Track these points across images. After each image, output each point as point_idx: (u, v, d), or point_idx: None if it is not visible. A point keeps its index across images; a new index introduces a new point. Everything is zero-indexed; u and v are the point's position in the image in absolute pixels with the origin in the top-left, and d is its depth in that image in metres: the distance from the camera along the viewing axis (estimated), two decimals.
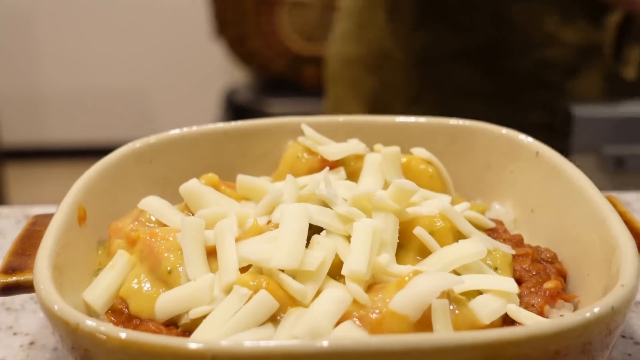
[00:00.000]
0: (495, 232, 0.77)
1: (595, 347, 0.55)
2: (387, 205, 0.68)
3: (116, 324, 0.65)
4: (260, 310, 0.59)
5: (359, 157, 0.81)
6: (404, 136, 0.89)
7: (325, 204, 0.69)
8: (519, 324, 0.62)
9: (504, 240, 0.74)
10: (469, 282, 0.63)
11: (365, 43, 1.65)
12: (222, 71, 3.49)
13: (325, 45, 2.63)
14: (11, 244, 0.72)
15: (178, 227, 0.69)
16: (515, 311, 0.62)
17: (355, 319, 0.58)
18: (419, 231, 0.67)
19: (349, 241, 0.65)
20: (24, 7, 3.52)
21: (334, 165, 0.80)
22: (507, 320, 0.63)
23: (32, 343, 0.77)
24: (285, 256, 0.61)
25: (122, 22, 3.56)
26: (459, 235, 0.70)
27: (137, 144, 0.84)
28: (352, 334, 0.56)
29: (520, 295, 0.66)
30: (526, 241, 0.77)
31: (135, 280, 0.67)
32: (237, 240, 0.65)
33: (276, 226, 0.66)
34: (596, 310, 0.54)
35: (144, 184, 0.83)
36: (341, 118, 0.90)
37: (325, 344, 0.50)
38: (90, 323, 0.53)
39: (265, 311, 0.59)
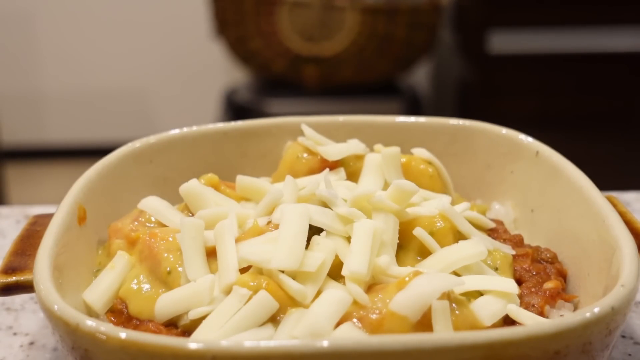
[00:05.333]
0: (495, 232, 0.77)
1: (595, 347, 0.55)
2: (387, 206, 0.68)
3: (116, 324, 0.65)
4: (260, 311, 0.59)
5: (359, 158, 0.81)
6: (404, 136, 0.89)
7: (325, 205, 0.69)
8: (519, 324, 0.62)
9: (504, 241, 0.74)
10: (470, 283, 0.63)
11: None
12: (222, 71, 3.49)
13: (325, 45, 2.63)
14: (11, 244, 0.72)
15: (178, 227, 0.69)
16: (516, 311, 0.62)
17: (355, 319, 0.58)
18: (418, 232, 0.67)
19: (349, 242, 0.65)
20: (24, 7, 3.51)
21: (333, 165, 0.80)
22: (507, 321, 0.63)
23: (32, 343, 0.77)
24: (285, 257, 0.61)
25: (122, 22, 3.55)
26: (459, 236, 0.70)
27: (137, 144, 0.84)
28: (352, 335, 0.56)
29: (520, 296, 0.66)
30: (526, 241, 0.77)
31: (135, 281, 0.67)
32: (237, 240, 0.65)
33: (276, 227, 0.66)
34: (596, 310, 0.54)
35: (144, 184, 0.83)
36: (341, 118, 0.90)
37: (325, 344, 0.50)
38: (90, 323, 0.53)
39: (265, 312, 0.59)
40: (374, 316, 0.57)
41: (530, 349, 0.51)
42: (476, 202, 0.87)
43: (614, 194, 0.86)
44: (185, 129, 0.87)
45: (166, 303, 0.63)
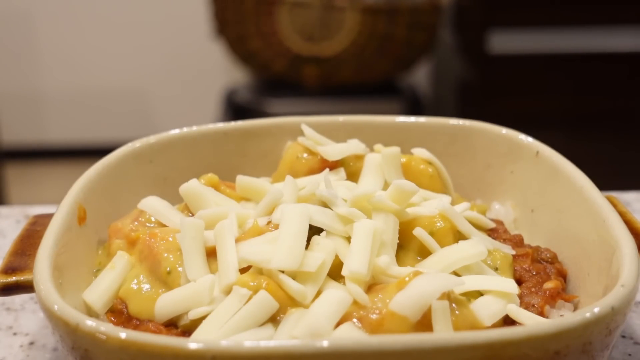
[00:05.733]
0: (495, 232, 0.77)
1: (595, 347, 0.55)
2: (387, 206, 0.68)
3: (116, 324, 0.65)
4: (260, 311, 0.59)
5: (359, 158, 0.81)
6: (404, 136, 0.89)
7: (325, 205, 0.69)
8: (519, 324, 0.62)
9: (504, 241, 0.74)
10: (470, 283, 0.63)
11: None
12: (222, 71, 3.49)
13: (325, 45, 2.63)
14: (11, 244, 0.72)
15: (178, 227, 0.69)
16: (516, 311, 0.62)
17: (355, 319, 0.58)
18: (418, 232, 0.67)
19: (349, 242, 0.64)
20: (24, 6, 3.51)
21: (333, 165, 0.80)
22: (507, 321, 0.63)
23: (32, 343, 0.77)
24: (285, 257, 0.61)
25: (122, 22, 3.55)
26: (459, 236, 0.70)
27: (137, 144, 0.84)
28: (352, 335, 0.56)
29: (520, 296, 0.66)
30: (526, 241, 0.77)
31: (135, 281, 0.67)
32: (237, 240, 0.65)
33: (276, 227, 0.66)
34: (596, 310, 0.54)
35: (144, 184, 0.83)
36: (341, 118, 0.90)
37: (325, 344, 0.50)
38: (90, 323, 0.53)
39: (265, 312, 0.59)
40: (374, 316, 0.57)
41: (530, 349, 0.51)
42: (476, 202, 0.87)
43: (614, 194, 0.86)
44: (185, 129, 0.87)
45: (166, 303, 0.63)
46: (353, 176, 0.80)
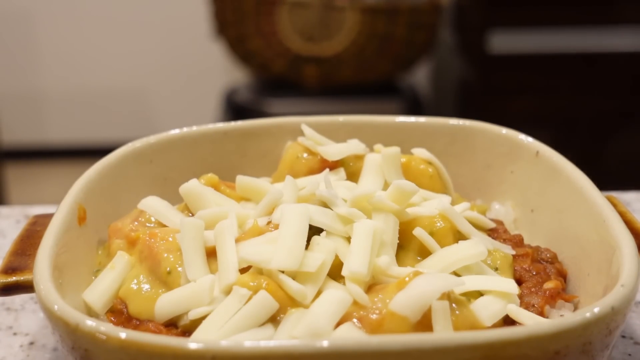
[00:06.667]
0: (495, 232, 0.77)
1: (595, 347, 0.55)
2: (387, 206, 0.68)
3: (116, 324, 0.65)
4: (260, 311, 0.59)
5: (359, 158, 0.81)
6: (404, 136, 0.89)
7: (325, 205, 0.69)
8: (520, 324, 0.62)
9: (504, 241, 0.74)
10: (470, 283, 0.63)
11: None
12: (222, 71, 3.48)
13: (325, 45, 2.63)
14: (11, 244, 0.72)
15: (178, 227, 0.69)
16: (516, 311, 0.62)
17: (355, 319, 0.58)
18: (418, 232, 0.67)
19: (349, 242, 0.64)
20: (24, 6, 3.51)
21: (333, 165, 0.80)
22: (507, 320, 0.63)
23: (32, 343, 0.77)
24: (285, 257, 0.61)
25: (122, 22, 3.55)
26: (459, 236, 0.70)
27: (137, 144, 0.84)
28: (352, 335, 0.56)
29: (520, 296, 0.66)
30: (526, 241, 0.77)
31: (135, 281, 0.67)
32: (237, 241, 0.65)
33: (276, 227, 0.66)
34: (596, 310, 0.54)
35: (143, 184, 0.83)
36: (341, 118, 0.90)
37: (325, 344, 0.50)
38: (90, 323, 0.53)
39: (265, 312, 0.59)
40: (374, 316, 0.57)
41: (530, 349, 0.51)
42: (476, 202, 0.87)
43: (614, 194, 0.86)
44: (185, 129, 0.87)
45: (166, 303, 0.63)
46: (353, 176, 0.80)
